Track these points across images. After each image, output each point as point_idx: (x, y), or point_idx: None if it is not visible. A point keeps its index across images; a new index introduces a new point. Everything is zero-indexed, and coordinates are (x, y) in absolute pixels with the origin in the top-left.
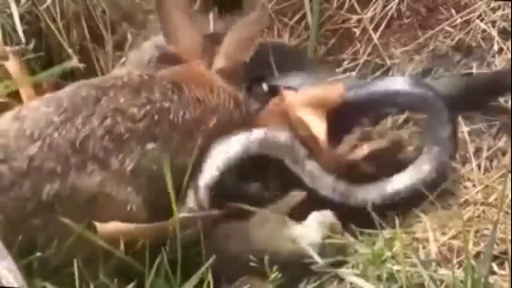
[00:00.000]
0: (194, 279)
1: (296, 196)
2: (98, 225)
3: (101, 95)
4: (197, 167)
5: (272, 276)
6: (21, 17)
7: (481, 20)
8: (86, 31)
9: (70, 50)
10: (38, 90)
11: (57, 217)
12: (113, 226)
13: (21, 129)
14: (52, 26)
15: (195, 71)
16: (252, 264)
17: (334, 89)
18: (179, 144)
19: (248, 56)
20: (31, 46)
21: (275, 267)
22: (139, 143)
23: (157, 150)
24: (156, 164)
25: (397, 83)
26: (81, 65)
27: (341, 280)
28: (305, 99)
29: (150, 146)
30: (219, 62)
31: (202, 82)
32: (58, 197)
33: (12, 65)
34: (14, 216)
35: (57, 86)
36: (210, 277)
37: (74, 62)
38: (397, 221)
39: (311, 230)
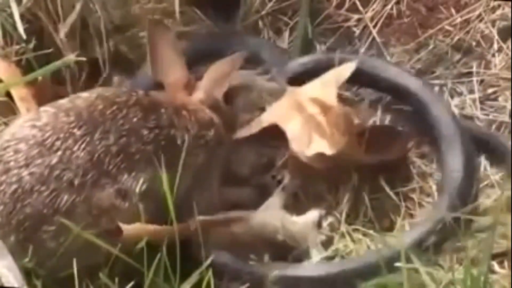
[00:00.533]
0: (193, 278)
1: (281, 195)
2: (122, 226)
3: (117, 111)
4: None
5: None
6: (22, 16)
7: (481, 20)
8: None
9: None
10: (34, 90)
11: (70, 226)
12: (136, 227)
13: (42, 138)
14: (51, 27)
15: (185, 99)
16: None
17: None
18: (182, 166)
19: (222, 93)
20: (31, 45)
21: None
22: (148, 166)
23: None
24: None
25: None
26: (76, 59)
27: None
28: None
29: (156, 172)
30: (199, 95)
31: (191, 109)
32: (74, 207)
33: (1, 68)
34: (30, 221)
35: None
36: (210, 276)
37: (71, 58)
38: (398, 221)
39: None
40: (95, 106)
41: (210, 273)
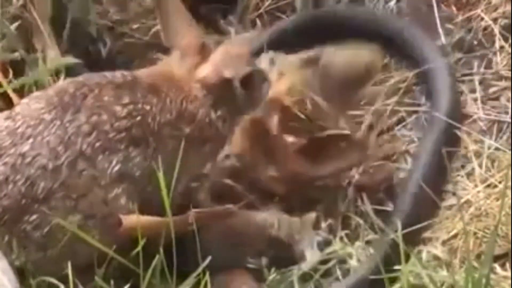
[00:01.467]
0: (190, 280)
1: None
2: (122, 217)
3: (87, 91)
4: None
5: (270, 277)
6: (14, 16)
7: (482, 18)
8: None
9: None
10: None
11: (52, 215)
12: (135, 219)
13: (13, 127)
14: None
15: (176, 75)
16: (250, 265)
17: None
18: (154, 149)
19: (234, 75)
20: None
21: (273, 269)
22: (123, 144)
23: (139, 155)
24: (140, 169)
25: None
26: (72, 60)
27: None
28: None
29: (133, 151)
30: (205, 70)
31: (181, 87)
32: (51, 193)
33: None
34: (10, 213)
35: None
36: (207, 278)
37: (67, 60)
38: (399, 224)
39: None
40: (65, 91)
41: (207, 275)
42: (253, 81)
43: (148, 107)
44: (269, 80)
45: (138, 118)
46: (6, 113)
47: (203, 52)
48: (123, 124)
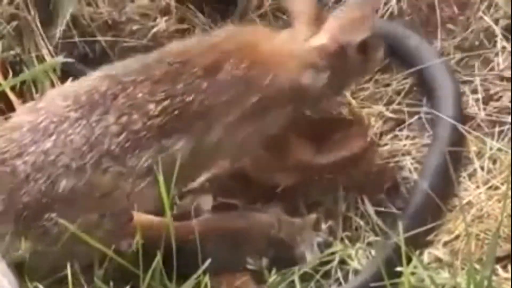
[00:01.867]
0: (191, 282)
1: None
2: (134, 214)
3: (119, 90)
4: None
5: (270, 280)
6: (12, 15)
7: (483, 18)
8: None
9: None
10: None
11: (72, 212)
12: (146, 218)
13: (35, 123)
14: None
15: (269, 47)
16: (250, 266)
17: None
18: (203, 130)
19: (358, 38)
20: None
21: (273, 271)
22: (155, 140)
23: (173, 145)
24: (172, 159)
25: None
26: (63, 60)
27: None
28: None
29: (166, 142)
30: (321, 39)
31: (265, 60)
32: (73, 192)
33: None
34: (29, 211)
35: None
36: (207, 280)
37: (59, 59)
38: (400, 226)
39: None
40: (96, 89)
41: (207, 277)
42: (368, 47)
43: (190, 98)
44: (383, 46)
45: (176, 112)
46: (30, 106)
47: (319, 21)
48: (156, 122)
